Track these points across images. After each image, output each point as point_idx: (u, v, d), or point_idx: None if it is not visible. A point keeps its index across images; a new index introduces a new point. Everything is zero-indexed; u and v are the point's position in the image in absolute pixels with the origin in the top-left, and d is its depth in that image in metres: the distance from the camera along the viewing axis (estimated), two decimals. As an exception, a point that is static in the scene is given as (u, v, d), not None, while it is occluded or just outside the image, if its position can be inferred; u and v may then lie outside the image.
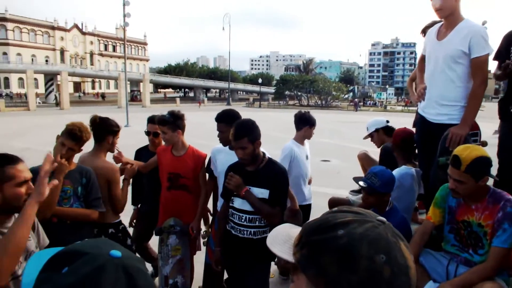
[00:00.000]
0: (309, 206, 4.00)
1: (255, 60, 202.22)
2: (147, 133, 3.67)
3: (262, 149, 2.66)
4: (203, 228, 3.60)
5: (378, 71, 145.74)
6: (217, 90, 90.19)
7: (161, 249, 3.32)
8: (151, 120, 3.61)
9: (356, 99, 54.92)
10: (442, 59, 2.82)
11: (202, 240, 3.56)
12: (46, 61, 72.51)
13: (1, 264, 1.48)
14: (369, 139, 4.16)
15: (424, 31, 3.58)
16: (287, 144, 3.86)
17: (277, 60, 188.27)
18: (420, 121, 3.13)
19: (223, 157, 3.09)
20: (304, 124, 3.85)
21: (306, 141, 3.99)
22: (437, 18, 3.00)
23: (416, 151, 3.34)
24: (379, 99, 70.73)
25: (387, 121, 4.06)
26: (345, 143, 14.90)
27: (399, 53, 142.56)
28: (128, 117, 20.96)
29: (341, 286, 0.62)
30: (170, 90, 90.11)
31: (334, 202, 3.60)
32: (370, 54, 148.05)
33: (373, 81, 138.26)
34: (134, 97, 55.64)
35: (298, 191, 3.76)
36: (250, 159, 2.55)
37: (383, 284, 0.61)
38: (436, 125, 2.89)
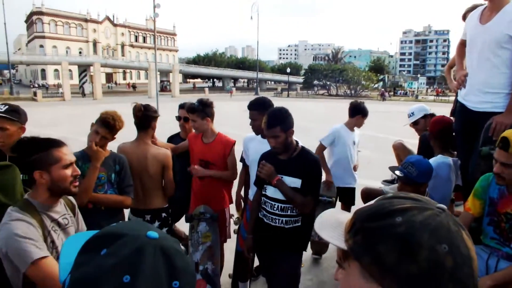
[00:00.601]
0: (352, 190, 4.25)
1: (283, 50, 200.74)
2: (178, 118, 3.71)
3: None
4: (235, 214, 3.62)
5: (410, 60, 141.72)
6: (245, 80, 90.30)
7: (192, 236, 3.35)
8: (182, 106, 3.65)
9: (382, 89, 53.63)
10: (485, 44, 2.65)
11: (233, 228, 3.59)
12: (80, 52, 74.79)
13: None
14: (408, 126, 4.01)
15: (464, 16, 3.41)
16: (336, 125, 4.19)
17: (305, 49, 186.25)
18: (460, 109, 2.99)
19: (255, 146, 3.08)
20: (357, 113, 4.10)
21: (356, 129, 4.23)
22: (478, 2, 2.83)
23: (455, 140, 3.20)
24: (410, 89, 68.78)
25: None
26: (375, 133, 14.59)
27: (431, 41, 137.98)
28: (158, 107, 21.29)
29: (399, 276, 0.59)
30: (199, 80, 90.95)
31: (367, 193, 3.52)
32: (401, 42, 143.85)
33: (404, 70, 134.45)
34: (164, 88, 56.49)
35: (342, 173, 4.10)
36: (283, 148, 2.52)
37: (445, 275, 0.58)
38: (479, 113, 2.74)
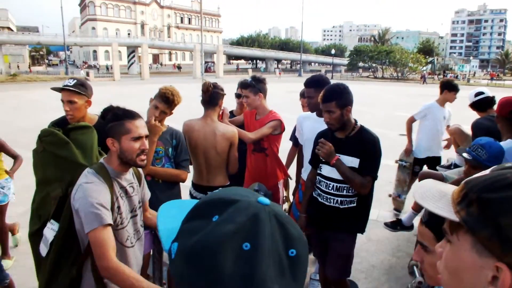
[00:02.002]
0: (438, 158, 4.72)
1: (328, 31, 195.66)
2: (238, 95, 3.73)
3: None
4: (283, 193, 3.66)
5: (461, 41, 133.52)
6: (288, 62, 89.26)
7: (245, 213, 3.43)
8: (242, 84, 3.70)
9: (424, 72, 51.10)
10: None
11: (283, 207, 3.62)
12: (129, 34, 76.99)
13: (113, 280, 1.67)
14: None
15: None
16: (427, 103, 4.70)
17: (350, 30, 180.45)
18: None
19: (309, 124, 3.06)
20: (445, 88, 4.51)
21: (447, 105, 4.62)
22: None
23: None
24: (461, 72, 65.07)
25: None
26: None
27: (486, 21, 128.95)
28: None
29: None
30: (242, 61, 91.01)
31: (426, 177, 3.41)
32: (453, 22, 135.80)
33: (454, 53, 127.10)
34: (208, 68, 57.10)
35: (431, 144, 4.67)
36: (337, 125, 2.48)
37: None
38: None
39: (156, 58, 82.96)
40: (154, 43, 60.29)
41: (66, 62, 47.89)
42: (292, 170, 3.81)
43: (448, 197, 0.66)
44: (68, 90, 2.52)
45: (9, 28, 60.01)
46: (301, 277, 0.53)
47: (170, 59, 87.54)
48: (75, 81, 2.59)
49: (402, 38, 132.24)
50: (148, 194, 2.19)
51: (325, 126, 2.62)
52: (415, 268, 2.31)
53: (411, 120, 4.77)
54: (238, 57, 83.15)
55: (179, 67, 67.42)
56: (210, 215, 0.54)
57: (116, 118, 1.82)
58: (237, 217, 0.52)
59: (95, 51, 75.21)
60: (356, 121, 2.57)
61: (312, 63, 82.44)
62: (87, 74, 38.54)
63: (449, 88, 4.48)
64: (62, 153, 1.94)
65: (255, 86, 3.21)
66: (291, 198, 3.95)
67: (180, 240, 0.54)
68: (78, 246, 1.84)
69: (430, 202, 0.67)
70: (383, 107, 15.70)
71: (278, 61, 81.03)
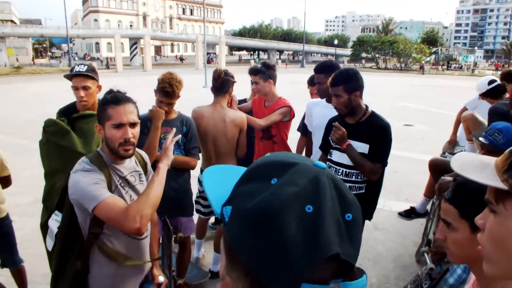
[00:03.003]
0: None
1: (330, 21, 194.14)
2: (251, 82, 3.73)
3: None
4: None
5: (466, 31, 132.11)
6: (291, 52, 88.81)
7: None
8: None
9: (422, 62, 50.71)
10: None
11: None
12: (131, 26, 76.65)
13: (147, 215, 1.59)
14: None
15: None
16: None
17: (353, 20, 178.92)
18: None
19: (319, 110, 3.06)
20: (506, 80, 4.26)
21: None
22: None
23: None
24: (465, 63, 64.49)
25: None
26: (428, 108, 14.00)
27: (492, 10, 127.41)
28: (206, 78, 21.60)
29: None
30: (244, 52, 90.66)
31: (435, 164, 3.41)
32: (458, 12, 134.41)
33: (459, 43, 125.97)
34: (210, 60, 56.94)
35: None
36: (345, 109, 2.48)
37: None
38: None
39: (158, 50, 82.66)
40: (156, 35, 60.04)
41: (69, 54, 47.75)
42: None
43: (492, 166, 0.63)
44: (82, 75, 2.52)
45: (12, 21, 59.90)
46: (357, 243, 0.53)
47: (172, 51, 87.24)
48: (86, 66, 2.58)
49: (406, 28, 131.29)
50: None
51: (334, 112, 2.62)
52: (425, 255, 2.32)
53: (463, 110, 4.49)
54: (240, 48, 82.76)
55: (181, 59, 67.21)
56: (268, 178, 0.53)
57: (102, 103, 1.72)
58: (298, 179, 0.52)
59: (97, 43, 74.96)
60: (367, 107, 2.56)
61: (315, 54, 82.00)
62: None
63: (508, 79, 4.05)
64: (63, 142, 1.93)
65: (265, 72, 3.21)
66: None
67: (235, 203, 0.54)
68: (82, 237, 1.77)
69: (473, 172, 0.64)
70: (387, 98, 15.66)
71: (281, 52, 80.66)
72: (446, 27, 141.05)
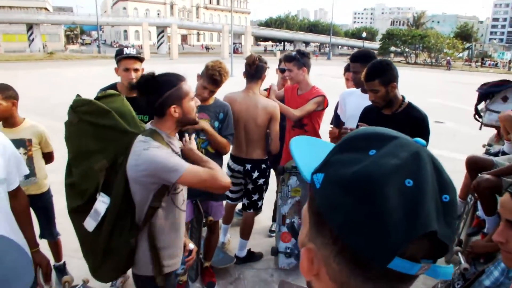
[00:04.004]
0: None
1: (359, 13, 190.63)
2: (282, 70, 3.70)
3: None
4: None
5: (503, 26, 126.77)
6: (317, 44, 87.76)
7: (281, 189, 3.45)
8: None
9: (448, 57, 48.96)
10: None
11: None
12: (158, 14, 77.39)
13: (220, 180, 1.80)
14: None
15: None
16: None
17: (382, 13, 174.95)
18: None
19: (353, 100, 3.02)
20: None
21: None
22: None
23: None
24: (501, 60, 61.97)
25: None
26: (460, 105, 13.60)
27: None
28: (232, 68, 21.62)
29: None
30: (270, 43, 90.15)
31: (474, 162, 3.28)
32: (495, 5, 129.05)
33: (495, 38, 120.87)
34: (236, 50, 56.81)
35: None
36: (383, 102, 2.43)
37: None
38: None
39: (184, 39, 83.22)
40: (183, 24, 60.41)
41: (98, 42, 48.80)
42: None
43: None
44: (133, 57, 2.62)
45: (46, 9, 61.40)
46: (453, 224, 0.51)
47: (198, 40, 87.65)
48: (135, 49, 2.67)
49: (438, 22, 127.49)
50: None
51: (369, 102, 2.58)
52: (459, 254, 2.26)
53: None
54: (266, 39, 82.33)
55: (207, 48, 67.46)
56: (365, 148, 0.52)
57: (172, 85, 1.76)
58: (399, 152, 0.51)
59: (125, 31, 76.12)
60: (403, 97, 2.51)
61: (341, 46, 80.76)
62: (118, 53, 39.19)
63: None
64: (104, 122, 1.82)
65: (300, 60, 3.18)
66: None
67: (329, 170, 0.53)
68: (134, 216, 1.81)
69: None
70: (415, 93, 15.28)
71: (307, 43, 79.79)
72: (481, 22, 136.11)
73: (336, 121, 3.46)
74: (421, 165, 0.50)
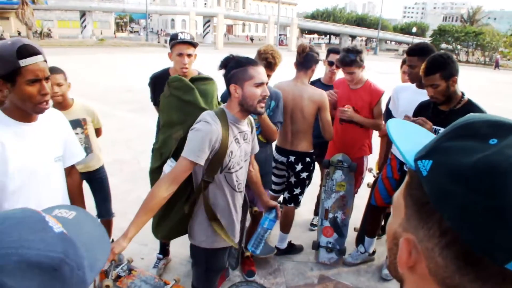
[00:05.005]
0: None
1: (409, 8, 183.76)
2: (330, 63, 3.61)
3: None
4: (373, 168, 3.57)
5: None
6: (364, 39, 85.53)
7: (326, 182, 3.40)
8: (335, 50, 3.59)
9: (498, 56, 45.74)
10: None
11: (366, 181, 3.54)
12: (205, 4, 78.33)
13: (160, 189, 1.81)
14: None
15: None
16: None
17: (434, 7, 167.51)
18: None
19: (407, 96, 2.90)
20: None
21: None
22: None
23: None
24: None
25: None
26: (517, 107, 12.75)
27: None
28: (276, 60, 21.55)
29: None
30: (315, 36, 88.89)
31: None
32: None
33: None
34: (280, 41, 56.39)
35: None
36: (442, 98, 2.32)
37: None
38: None
39: (229, 29, 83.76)
40: (229, 14, 60.71)
41: (146, 30, 50.18)
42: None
43: None
44: (187, 43, 2.66)
45: (98, -4, 63.92)
46: None
47: (243, 31, 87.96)
48: (189, 35, 2.71)
49: (495, 18, 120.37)
50: (256, 148, 2.25)
51: (423, 98, 2.48)
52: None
53: None
54: (311, 32, 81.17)
55: (251, 39, 67.52)
56: (485, 136, 0.49)
57: (239, 65, 1.88)
58: None
59: (173, 20, 77.69)
60: (463, 94, 2.39)
61: (389, 42, 78.17)
62: (165, 41, 40.09)
63: None
64: (186, 97, 2.04)
65: (358, 60, 3.08)
66: (374, 172, 3.85)
67: (439, 157, 0.50)
68: (192, 184, 1.99)
69: None
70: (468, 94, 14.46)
71: (353, 37, 77.90)
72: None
73: (387, 117, 3.34)
74: None
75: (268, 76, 2.71)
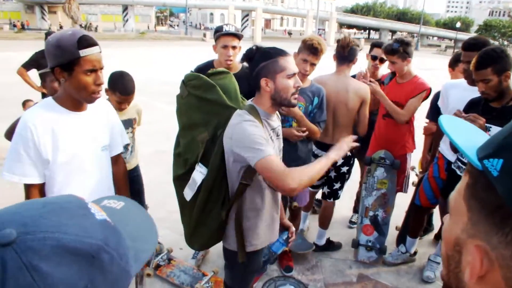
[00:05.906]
0: None
1: (453, 2, 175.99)
2: (374, 57, 3.53)
3: None
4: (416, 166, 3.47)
5: None
6: (404, 34, 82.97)
7: (367, 179, 3.33)
8: (378, 44, 3.50)
9: None
10: None
11: (411, 180, 3.44)
12: (243, -2, 78.50)
13: (305, 183, 1.62)
14: None
15: None
16: None
17: (480, 1, 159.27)
18: None
19: (457, 93, 2.78)
20: None
21: None
22: None
23: None
24: None
25: None
26: None
27: None
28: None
29: None
30: (354, 30, 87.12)
31: None
32: None
33: None
34: (319, 36, 55.73)
35: None
36: (494, 94, 2.21)
37: None
38: None
39: (267, 23, 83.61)
40: (268, 8, 60.51)
41: (186, 23, 51.06)
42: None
43: None
44: (232, 35, 2.65)
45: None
46: None
47: (281, 25, 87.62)
48: (234, 27, 2.70)
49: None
50: (281, 143, 2.10)
51: (474, 95, 2.37)
52: None
53: None
54: (350, 26, 79.55)
55: (289, 33, 67.07)
56: None
57: (268, 57, 1.73)
58: None
59: (211, 14, 78.53)
60: None
61: (431, 37, 75.32)
62: (204, 35, 40.57)
63: None
64: (208, 96, 1.90)
65: (404, 51, 2.98)
66: (417, 170, 3.74)
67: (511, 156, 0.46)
68: (227, 189, 1.85)
69: None
70: None
71: (393, 32, 75.66)
72: None
73: (434, 114, 3.22)
74: None
75: (313, 65, 2.66)
